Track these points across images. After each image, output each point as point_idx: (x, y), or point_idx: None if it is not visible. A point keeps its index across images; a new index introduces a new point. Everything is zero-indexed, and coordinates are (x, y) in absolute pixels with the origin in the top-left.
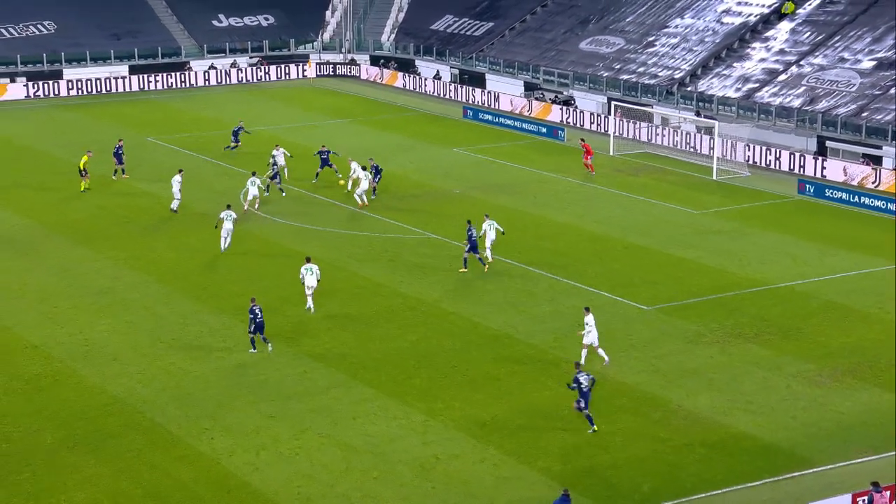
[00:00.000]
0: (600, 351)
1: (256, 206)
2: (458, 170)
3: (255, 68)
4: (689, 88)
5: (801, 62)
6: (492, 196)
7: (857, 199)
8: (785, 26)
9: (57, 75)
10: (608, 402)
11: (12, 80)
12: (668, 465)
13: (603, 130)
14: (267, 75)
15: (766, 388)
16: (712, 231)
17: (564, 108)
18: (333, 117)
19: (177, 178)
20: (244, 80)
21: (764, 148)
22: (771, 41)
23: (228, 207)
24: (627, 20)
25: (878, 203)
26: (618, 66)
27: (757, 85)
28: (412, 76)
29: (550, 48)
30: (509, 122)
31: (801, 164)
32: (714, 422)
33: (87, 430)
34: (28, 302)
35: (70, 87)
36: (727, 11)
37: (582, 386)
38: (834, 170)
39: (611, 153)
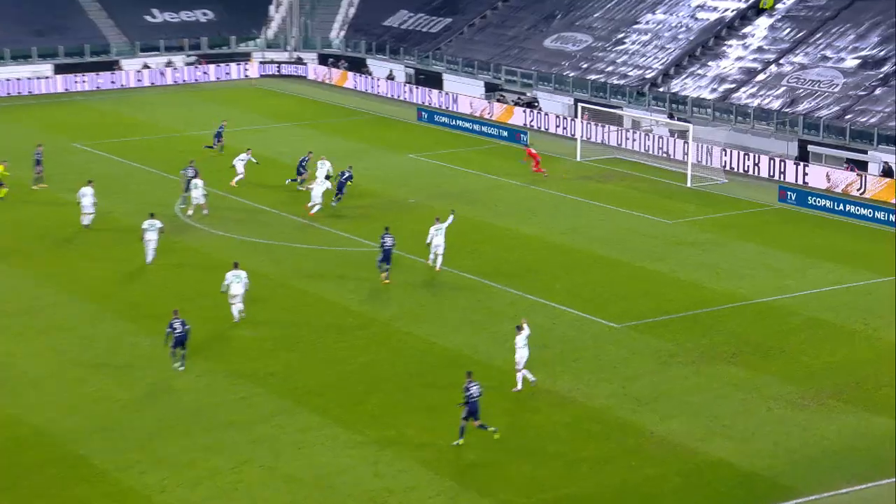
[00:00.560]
0: (522, 374)
1: (190, 212)
2: (414, 177)
3: (192, 68)
4: (661, 89)
5: (781, 61)
6: (450, 205)
7: (841, 207)
8: (763, 22)
9: None
10: (575, 427)
11: None
12: (641, 496)
13: (569, 134)
14: (205, 75)
15: (745, 412)
16: (687, 242)
17: (528, 110)
18: (278, 121)
19: (86, 189)
20: (180, 81)
21: (742, 153)
22: (748, 38)
23: (152, 216)
24: (595, 16)
25: (863, 211)
26: (585, 66)
27: (734, 85)
28: (364, 76)
29: (513, 46)
30: (468, 125)
31: (782, 169)
32: (690, 449)
33: (2, 465)
34: None
35: None
36: (702, 7)
37: (471, 396)
38: (817, 176)
39: (578, 158)
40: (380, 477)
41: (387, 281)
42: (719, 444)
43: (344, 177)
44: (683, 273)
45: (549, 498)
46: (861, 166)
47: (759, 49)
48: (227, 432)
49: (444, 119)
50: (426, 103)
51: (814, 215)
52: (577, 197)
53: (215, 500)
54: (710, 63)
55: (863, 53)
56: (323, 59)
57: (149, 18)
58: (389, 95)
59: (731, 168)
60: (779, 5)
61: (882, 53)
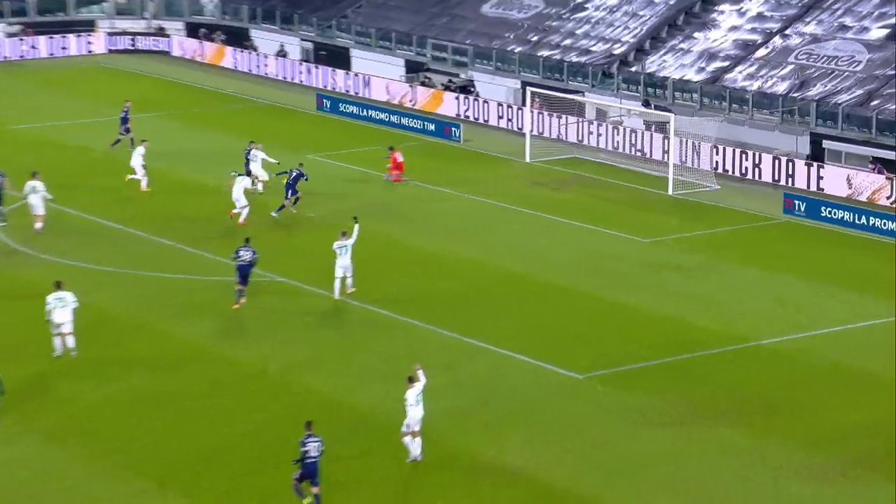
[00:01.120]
0: (407, 440)
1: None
2: (314, 184)
3: (15, 40)
4: (633, 69)
5: (788, 31)
6: (363, 220)
7: (865, 220)
8: None
9: None
10: None
11: None
12: None
13: (515, 127)
14: (34, 50)
15: (745, 486)
16: (669, 266)
17: (461, 96)
18: (133, 110)
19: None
20: (1, 58)
21: (738, 151)
22: (745, 2)
23: None
24: None
25: (893, 226)
26: (535, 38)
27: (727, 63)
28: (246, 52)
29: (441, 13)
30: (383, 116)
31: (790, 172)
32: None
33: None
34: None
35: None
36: None
37: (309, 456)
38: (834, 180)
39: (527, 159)
40: None
41: (237, 305)
42: None
43: (293, 176)
44: (665, 306)
45: None
46: (891, 167)
47: (759, 16)
48: None
49: (352, 108)
50: (329, 88)
51: (830, 231)
52: (527, 209)
53: None
54: (695, 35)
55: (892, 21)
56: (192, 30)
57: None
58: (281, 77)
59: (725, 170)
60: None
61: None
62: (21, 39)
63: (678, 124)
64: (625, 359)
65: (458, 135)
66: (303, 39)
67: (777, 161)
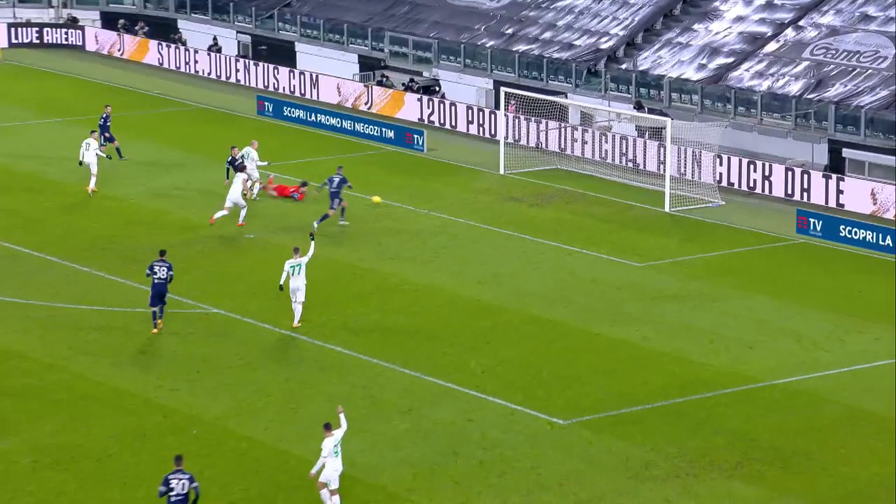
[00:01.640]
0: (324, 495)
1: None
2: (252, 202)
3: None
4: (623, 66)
5: (802, 22)
6: (308, 242)
7: (892, 241)
8: None
9: None
10: None
11: None
12: None
13: (487, 134)
14: None
15: None
16: (665, 295)
17: (425, 98)
18: (39, 115)
19: None
20: None
21: (745, 161)
22: None
23: None
24: None
25: None
26: (510, 31)
27: (731, 60)
28: (174, 47)
29: (401, 2)
30: (335, 121)
31: (804, 185)
32: None
33: None
34: None
35: None
36: None
37: (174, 496)
38: (856, 194)
39: (501, 171)
40: None
41: (155, 330)
42: None
43: (335, 183)
44: (662, 342)
45: None
46: None
47: (769, 5)
48: None
49: (297, 112)
50: (270, 88)
51: (852, 253)
52: (501, 228)
53: None
54: (695, 27)
55: None
56: (110, 21)
57: None
58: (214, 76)
59: (730, 183)
60: None
61: None
62: None
63: (676, 130)
64: (615, 402)
65: (420, 143)
66: (239, 32)
67: (790, 173)
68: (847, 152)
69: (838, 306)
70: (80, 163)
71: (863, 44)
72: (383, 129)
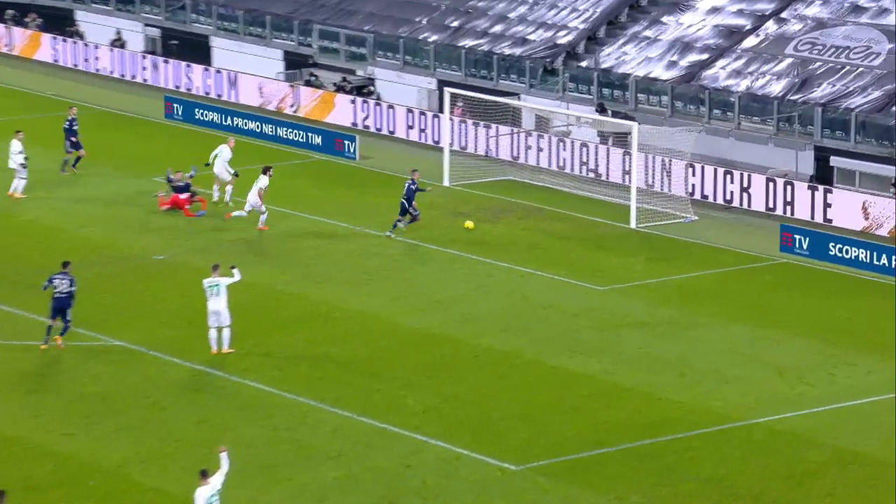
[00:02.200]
0: None
1: None
2: (163, 217)
3: None
4: (584, 64)
5: (784, 14)
6: (224, 261)
7: (886, 260)
8: None
9: None
10: None
11: None
12: None
13: (430, 140)
14: None
15: None
16: (631, 323)
17: (359, 99)
18: None
19: None
20: None
21: (721, 170)
22: None
23: None
24: None
25: None
26: (456, 24)
27: (705, 56)
28: (70, 41)
29: None
30: (255, 125)
31: (788, 198)
32: None
33: None
34: None
35: None
36: None
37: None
38: (846, 208)
39: (445, 182)
40: None
41: (44, 346)
42: None
43: (409, 189)
44: (627, 375)
45: None
46: None
47: None
48: None
49: (212, 115)
50: (182, 89)
51: (842, 275)
52: (446, 248)
53: None
54: (665, 19)
55: None
56: None
57: None
58: (117, 74)
59: (704, 196)
60: None
61: None
62: None
63: (643, 136)
64: (573, 444)
65: (353, 150)
66: (146, 25)
67: (772, 184)
68: (836, 161)
69: (827, 335)
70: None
71: (853, 38)
72: (311, 135)
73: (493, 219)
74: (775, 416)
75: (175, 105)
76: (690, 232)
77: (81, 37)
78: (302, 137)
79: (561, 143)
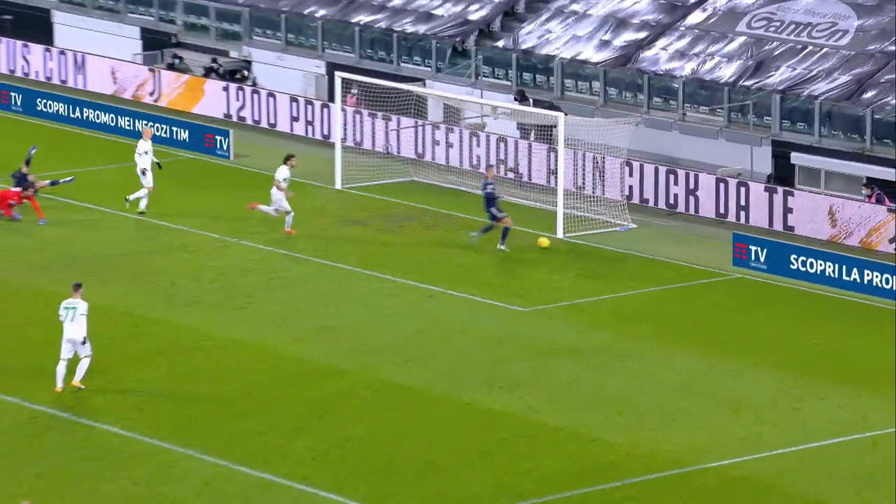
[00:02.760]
0: None
1: None
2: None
3: None
4: (500, 44)
5: None
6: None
7: (857, 275)
8: None
9: None
10: None
11: None
12: None
13: (318, 135)
14: None
15: None
16: (558, 350)
17: (233, 86)
18: None
19: None
20: None
21: (663, 170)
22: None
23: None
24: None
25: None
26: None
27: (643, 35)
28: None
29: None
30: (108, 118)
31: (742, 202)
32: None
33: None
34: None
35: None
36: None
37: None
38: (808, 213)
39: (337, 185)
40: None
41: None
42: None
43: (490, 187)
44: (555, 413)
45: None
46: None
47: None
48: None
49: (56, 106)
50: (18, 73)
51: (804, 292)
52: (339, 263)
53: None
54: None
55: None
56: None
57: None
58: None
59: (644, 200)
60: None
61: None
62: None
63: (571, 129)
64: (491, 496)
65: (226, 146)
66: None
67: (722, 185)
68: (797, 157)
69: (789, 364)
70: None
71: (816, 13)
72: (175, 129)
73: (394, 228)
74: (730, 459)
75: (12, 94)
76: (628, 242)
77: None
78: (165, 132)
79: (474, 138)
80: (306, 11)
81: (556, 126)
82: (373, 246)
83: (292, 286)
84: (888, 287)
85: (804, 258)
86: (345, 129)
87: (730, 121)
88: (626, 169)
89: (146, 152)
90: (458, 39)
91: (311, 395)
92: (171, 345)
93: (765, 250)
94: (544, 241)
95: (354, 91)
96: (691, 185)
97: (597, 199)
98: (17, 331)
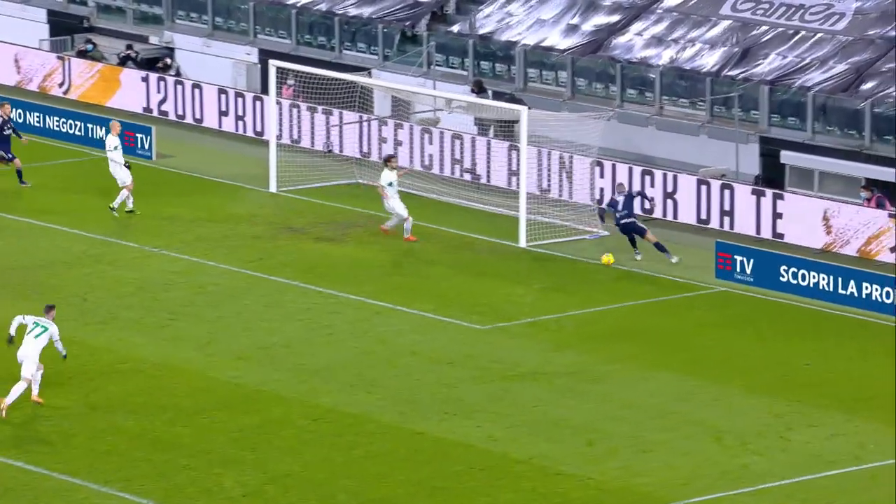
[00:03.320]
0: None
1: None
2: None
3: None
4: (455, 28)
5: None
6: None
7: (854, 288)
8: None
9: None
10: None
11: None
12: None
13: (249, 131)
14: None
15: None
16: (521, 373)
17: (153, 76)
18: None
19: None
20: None
21: (638, 170)
22: None
23: None
24: None
25: None
26: None
27: (616, 19)
28: None
29: None
30: (15, 114)
31: (727, 206)
32: None
33: None
34: None
35: None
36: None
37: None
38: (801, 219)
39: (272, 188)
40: None
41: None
42: None
43: (619, 206)
44: (516, 444)
45: None
46: None
47: None
48: None
49: None
50: None
51: (795, 307)
52: (274, 275)
53: None
54: None
55: None
56: None
57: None
58: None
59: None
60: None
61: None
62: None
63: (535, 125)
64: None
65: (147, 145)
66: None
67: (705, 187)
68: (788, 156)
69: (777, 387)
70: None
71: None
72: (88, 125)
73: (336, 236)
74: (713, 494)
75: None
76: (598, 252)
77: None
78: (77, 129)
79: (426, 135)
80: None
81: (517, 121)
82: (312, 256)
83: (221, 301)
84: (888, 301)
85: (795, 269)
86: (280, 125)
87: (713, 115)
88: (597, 169)
89: (116, 147)
90: (407, 24)
91: (242, 424)
92: (84, 368)
93: (751, 261)
94: (608, 258)
95: (291, 82)
96: (669, 188)
97: (564, 204)
98: None
